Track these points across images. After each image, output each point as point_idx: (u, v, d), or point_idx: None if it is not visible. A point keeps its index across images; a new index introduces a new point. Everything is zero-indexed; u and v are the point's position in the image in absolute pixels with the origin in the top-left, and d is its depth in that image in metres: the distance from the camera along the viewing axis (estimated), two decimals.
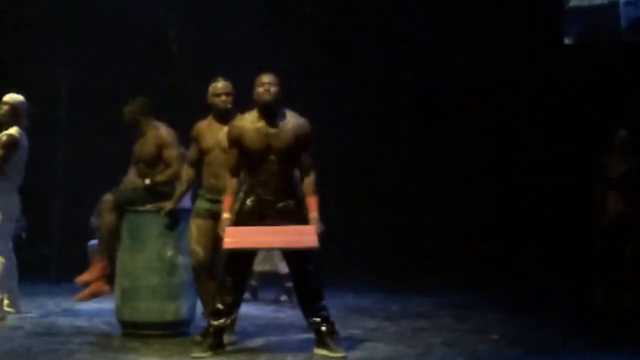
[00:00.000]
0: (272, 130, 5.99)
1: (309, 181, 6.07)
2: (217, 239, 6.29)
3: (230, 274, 6.06)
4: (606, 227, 8.16)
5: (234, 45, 11.34)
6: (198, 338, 6.52)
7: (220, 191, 6.36)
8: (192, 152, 6.67)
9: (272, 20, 11.76)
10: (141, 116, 7.05)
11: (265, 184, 6.01)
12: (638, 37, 11.03)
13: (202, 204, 6.57)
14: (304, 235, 5.92)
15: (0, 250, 7.49)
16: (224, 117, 6.49)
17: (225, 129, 6.33)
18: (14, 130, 7.52)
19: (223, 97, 6.50)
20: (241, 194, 6.08)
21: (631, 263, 7.98)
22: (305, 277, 6.11)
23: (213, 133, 6.52)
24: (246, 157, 6.04)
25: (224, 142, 6.31)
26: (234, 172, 6.09)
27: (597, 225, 8.31)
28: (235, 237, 5.90)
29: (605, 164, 8.28)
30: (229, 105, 6.51)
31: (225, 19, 11.54)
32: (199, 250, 6.51)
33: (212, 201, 6.49)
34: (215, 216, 6.41)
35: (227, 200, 6.06)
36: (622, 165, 8.14)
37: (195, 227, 6.55)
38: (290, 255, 6.18)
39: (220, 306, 6.09)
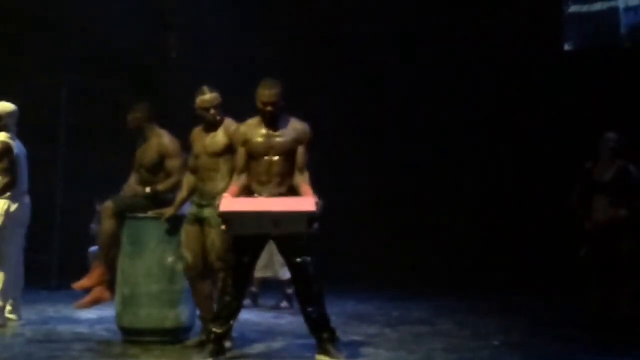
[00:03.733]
0: (273, 132, 6.11)
1: (304, 177, 6.13)
2: (205, 243, 6.48)
3: (231, 280, 6.07)
4: (593, 232, 8.02)
5: (230, 49, 11.39)
6: (189, 343, 6.60)
7: (205, 195, 6.51)
8: (192, 159, 6.72)
9: (269, 24, 11.81)
10: (145, 122, 7.05)
11: (265, 184, 6.09)
12: (637, 43, 11.03)
13: (192, 209, 6.67)
14: (302, 202, 5.92)
15: (10, 257, 7.50)
16: (213, 126, 6.58)
17: (211, 135, 6.53)
18: (3, 137, 7.56)
19: (212, 111, 6.55)
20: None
21: (627, 266, 7.91)
22: (306, 281, 6.10)
23: (201, 140, 6.62)
24: (249, 160, 6.13)
25: (210, 148, 6.52)
26: (242, 170, 6.17)
27: (581, 232, 8.16)
28: (229, 203, 5.88)
29: (589, 168, 8.14)
30: (219, 117, 6.57)
31: (223, 23, 11.58)
32: (188, 255, 6.59)
33: (199, 206, 6.58)
34: (201, 221, 6.52)
35: (232, 187, 6.11)
36: (610, 169, 8.02)
37: (184, 232, 6.66)
38: (290, 257, 6.17)
39: (220, 312, 6.11)
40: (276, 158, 6.09)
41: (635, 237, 7.91)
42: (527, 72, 11.24)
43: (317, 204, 5.87)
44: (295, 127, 6.16)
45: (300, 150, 6.14)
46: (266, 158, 6.09)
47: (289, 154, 6.11)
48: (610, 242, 7.91)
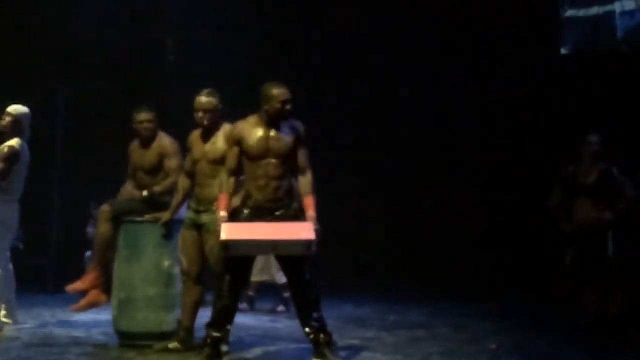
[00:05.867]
0: (272, 134, 6.06)
1: (306, 181, 6.12)
2: (202, 248, 6.46)
3: (227, 283, 6.07)
4: (576, 235, 8.01)
5: (228, 52, 11.40)
6: (170, 345, 6.55)
7: (203, 201, 6.49)
8: (187, 162, 6.70)
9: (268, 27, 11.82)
10: (157, 128, 7.04)
11: (263, 188, 6.04)
12: (634, 47, 11.05)
13: (189, 214, 6.65)
14: (301, 230, 5.91)
15: (0, 261, 7.49)
16: (206, 132, 6.53)
17: (211, 141, 6.49)
18: (14, 142, 7.54)
19: (200, 114, 6.49)
20: (238, 201, 6.10)
21: (614, 268, 7.91)
22: (303, 286, 6.11)
23: (200, 145, 6.57)
24: (246, 160, 6.09)
25: (210, 155, 6.47)
26: (233, 172, 6.12)
27: (562, 234, 8.15)
28: (231, 231, 5.87)
29: (570, 172, 8.15)
30: (206, 122, 6.49)
31: (221, 25, 11.59)
32: (183, 260, 6.59)
33: (196, 211, 6.55)
34: (198, 226, 6.50)
35: (223, 198, 6.08)
36: (592, 172, 8.02)
37: (181, 237, 6.65)
38: (287, 263, 6.19)
39: (217, 316, 6.10)
40: (274, 160, 6.04)
41: (619, 239, 7.93)
42: (524, 76, 11.25)
43: (316, 230, 5.87)
44: (292, 127, 6.12)
45: (301, 151, 6.12)
46: (264, 161, 6.04)
47: (287, 156, 6.07)
48: (595, 245, 7.91)
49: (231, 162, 6.13)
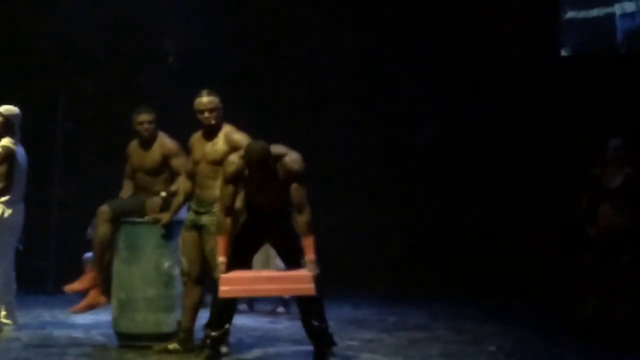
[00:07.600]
0: (266, 177, 5.85)
1: (303, 220, 5.85)
2: (202, 249, 6.45)
3: None
4: (596, 238, 8.03)
5: (226, 55, 11.40)
6: (170, 346, 6.55)
7: (203, 202, 6.48)
8: (188, 164, 6.69)
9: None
10: (156, 128, 7.05)
11: (264, 208, 6.02)
12: (634, 49, 11.05)
13: (189, 215, 6.64)
14: (300, 283, 5.79)
15: (2, 261, 7.48)
16: (210, 132, 6.50)
17: (211, 142, 6.46)
18: (7, 142, 7.54)
19: (206, 114, 6.44)
20: (238, 203, 6.10)
21: (628, 274, 7.92)
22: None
23: (201, 146, 6.55)
24: (246, 187, 6.00)
25: (210, 156, 6.44)
26: (229, 210, 5.96)
27: (587, 237, 8.17)
28: (230, 286, 5.83)
29: (597, 174, 8.15)
30: (213, 122, 6.46)
31: (221, 28, 11.59)
32: (183, 260, 6.59)
33: (196, 212, 6.55)
34: (198, 227, 6.49)
35: (221, 242, 5.94)
36: (618, 175, 8.02)
37: (181, 239, 6.65)
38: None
39: (215, 315, 6.10)
40: (273, 192, 5.91)
41: (636, 245, 7.93)
42: (524, 77, 11.24)
43: (315, 275, 5.76)
44: (290, 155, 5.88)
45: (294, 186, 5.84)
46: (264, 192, 5.94)
47: (280, 190, 5.87)
48: (612, 250, 7.91)
49: (226, 200, 5.94)
